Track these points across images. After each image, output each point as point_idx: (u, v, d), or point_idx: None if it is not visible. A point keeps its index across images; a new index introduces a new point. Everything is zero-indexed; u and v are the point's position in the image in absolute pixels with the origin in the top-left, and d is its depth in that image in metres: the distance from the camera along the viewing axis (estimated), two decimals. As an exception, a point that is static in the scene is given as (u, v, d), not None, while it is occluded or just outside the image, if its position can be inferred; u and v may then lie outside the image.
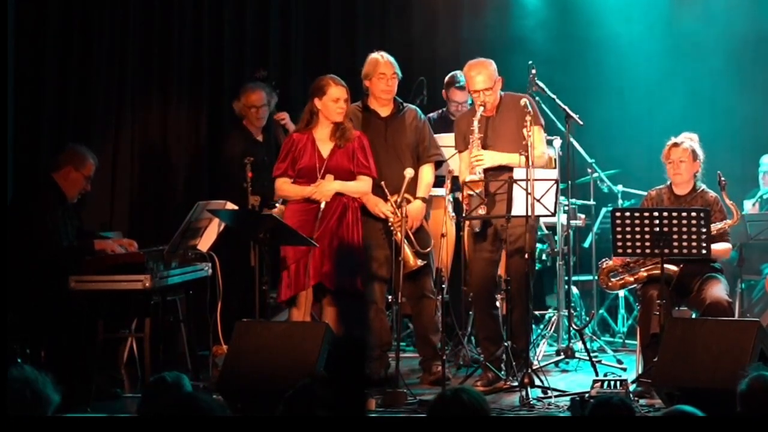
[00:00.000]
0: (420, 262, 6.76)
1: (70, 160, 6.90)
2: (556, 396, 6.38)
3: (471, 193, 6.57)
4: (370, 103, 7.07)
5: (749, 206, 8.38)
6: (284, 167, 6.83)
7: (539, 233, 8.01)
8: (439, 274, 6.71)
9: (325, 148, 6.82)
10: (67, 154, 6.96)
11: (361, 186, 6.83)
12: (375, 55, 7.05)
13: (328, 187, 6.73)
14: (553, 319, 7.91)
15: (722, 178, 6.61)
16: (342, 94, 6.79)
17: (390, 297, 7.06)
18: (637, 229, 6.35)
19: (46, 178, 6.90)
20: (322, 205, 6.70)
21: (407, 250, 6.70)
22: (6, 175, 7.14)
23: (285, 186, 6.85)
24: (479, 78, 6.78)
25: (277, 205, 7.39)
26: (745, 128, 9.26)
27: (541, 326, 8.04)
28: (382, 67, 6.99)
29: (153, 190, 8.53)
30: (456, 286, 7.49)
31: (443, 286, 6.85)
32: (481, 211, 6.59)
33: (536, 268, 8.10)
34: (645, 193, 7.18)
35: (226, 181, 7.95)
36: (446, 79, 8.10)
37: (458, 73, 7.78)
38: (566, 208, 7.87)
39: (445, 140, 7.20)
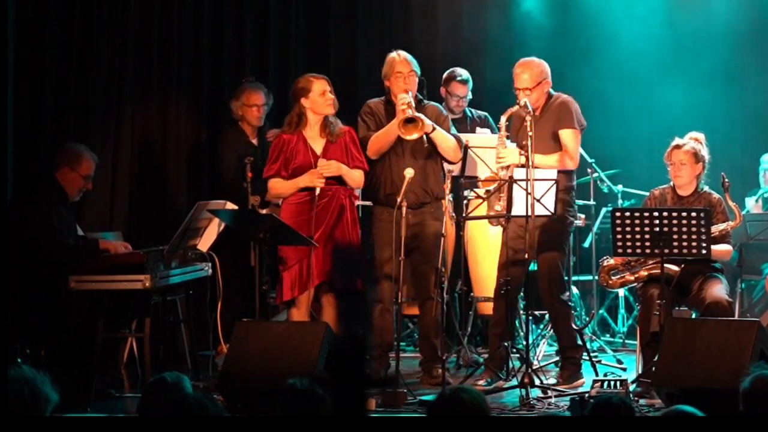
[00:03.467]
0: (410, 112, 6.72)
1: (66, 160, 6.88)
2: (556, 396, 6.38)
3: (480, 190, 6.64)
4: (393, 98, 7.03)
5: (751, 204, 8.37)
6: (277, 167, 6.85)
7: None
8: (438, 274, 6.70)
9: (318, 145, 6.86)
10: (63, 154, 6.93)
11: (356, 176, 6.86)
12: (392, 55, 7.03)
13: (327, 163, 6.72)
14: (553, 319, 7.91)
15: (726, 180, 6.60)
16: (326, 86, 6.85)
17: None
18: (637, 229, 6.35)
19: (48, 177, 6.90)
20: (317, 191, 6.69)
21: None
22: (6, 175, 7.14)
23: (278, 184, 6.86)
24: (524, 76, 6.85)
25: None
26: (746, 127, 9.26)
27: (541, 326, 8.04)
28: (399, 65, 6.97)
29: (153, 190, 8.52)
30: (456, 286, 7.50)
31: (443, 286, 6.84)
32: (498, 207, 6.60)
33: (533, 268, 8.13)
34: (645, 193, 7.18)
35: (222, 183, 7.95)
36: (445, 74, 8.11)
37: (458, 68, 7.95)
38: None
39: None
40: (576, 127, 6.88)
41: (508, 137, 6.74)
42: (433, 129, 6.83)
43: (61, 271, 6.50)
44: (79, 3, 8.19)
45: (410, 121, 6.73)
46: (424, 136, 6.78)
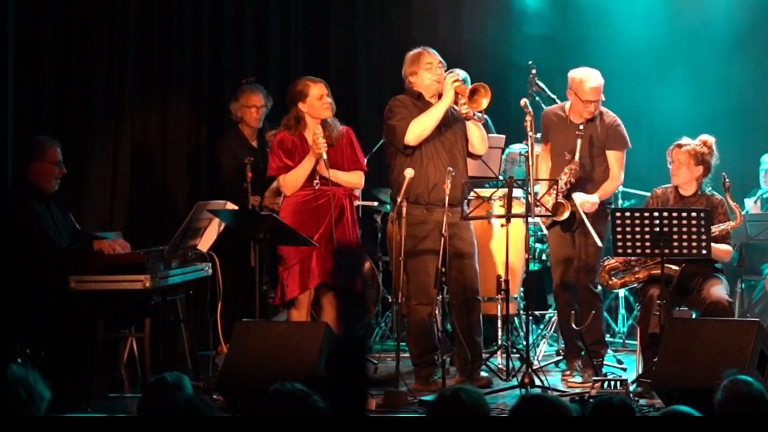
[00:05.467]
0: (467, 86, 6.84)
1: (34, 154, 6.77)
2: (556, 396, 6.38)
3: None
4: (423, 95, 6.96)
5: (750, 205, 8.38)
6: (283, 163, 6.78)
7: (539, 233, 8.03)
8: (439, 274, 6.68)
9: None
10: (29, 150, 6.84)
11: (353, 179, 6.84)
12: (417, 50, 6.96)
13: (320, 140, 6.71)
14: (553, 319, 7.91)
15: (727, 180, 6.60)
16: (323, 89, 6.79)
17: (390, 297, 7.06)
18: (637, 229, 6.36)
19: (20, 180, 6.81)
20: (316, 184, 6.68)
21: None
22: (6, 175, 7.13)
23: (289, 177, 6.76)
24: (600, 89, 7.01)
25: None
26: (746, 127, 9.26)
27: (541, 326, 8.04)
28: (428, 56, 6.91)
29: (153, 190, 8.52)
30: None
31: (443, 286, 6.84)
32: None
33: (533, 267, 8.15)
34: (645, 193, 7.19)
35: (222, 188, 7.93)
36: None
37: (456, 69, 7.69)
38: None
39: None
40: (623, 150, 6.97)
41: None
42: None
43: (60, 272, 6.49)
44: (79, 3, 8.18)
45: (474, 93, 6.72)
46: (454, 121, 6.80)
